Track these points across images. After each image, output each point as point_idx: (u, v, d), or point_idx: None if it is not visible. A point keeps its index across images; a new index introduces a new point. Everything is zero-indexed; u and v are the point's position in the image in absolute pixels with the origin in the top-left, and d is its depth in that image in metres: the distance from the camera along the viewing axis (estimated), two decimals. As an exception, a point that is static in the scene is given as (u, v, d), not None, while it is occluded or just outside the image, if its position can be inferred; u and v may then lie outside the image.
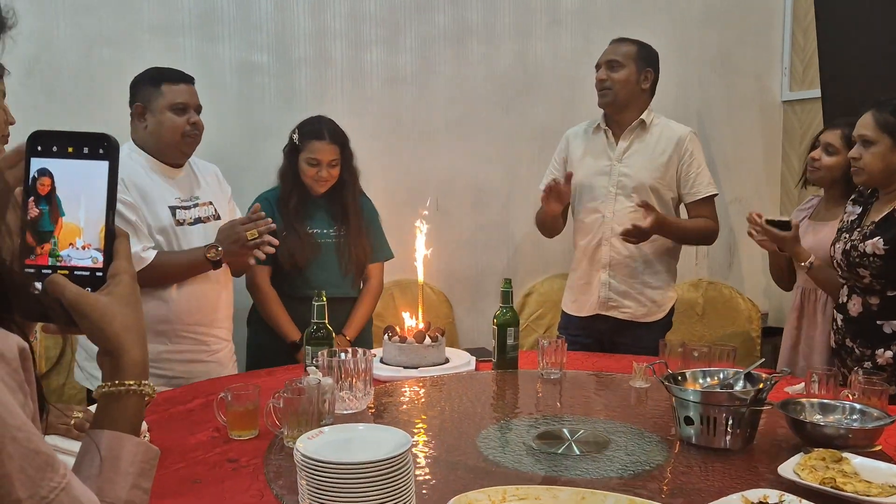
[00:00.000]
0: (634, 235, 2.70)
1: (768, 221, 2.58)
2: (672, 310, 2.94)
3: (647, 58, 2.87)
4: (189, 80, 2.50)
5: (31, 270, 0.77)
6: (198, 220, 2.47)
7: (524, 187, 3.72)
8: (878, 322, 2.31)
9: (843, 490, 1.36)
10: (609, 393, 2.20)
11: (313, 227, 2.83)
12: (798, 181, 3.09)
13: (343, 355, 1.96)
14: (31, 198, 0.77)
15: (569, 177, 2.81)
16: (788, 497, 1.32)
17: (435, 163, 3.68)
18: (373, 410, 1.97)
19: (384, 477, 1.21)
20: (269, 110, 3.44)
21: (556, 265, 3.76)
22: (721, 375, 1.85)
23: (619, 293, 2.88)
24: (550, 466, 1.58)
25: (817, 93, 3.63)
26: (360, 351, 1.98)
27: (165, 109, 2.42)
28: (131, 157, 2.42)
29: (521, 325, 2.67)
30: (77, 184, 0.78)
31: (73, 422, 1.56)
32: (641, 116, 2.87)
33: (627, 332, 2.88)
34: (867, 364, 2.30)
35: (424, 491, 1.44)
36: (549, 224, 3.00)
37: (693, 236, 2.94)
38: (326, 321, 2.19)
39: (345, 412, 1.89)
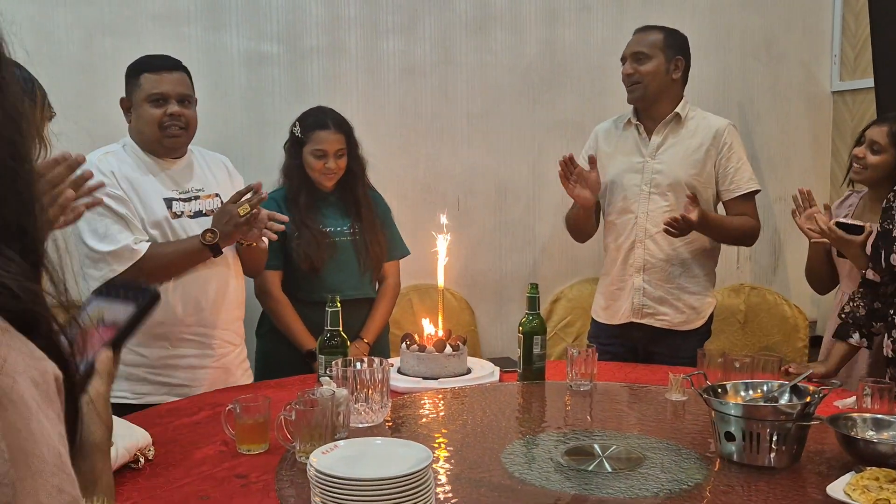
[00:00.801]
0: (678, 228, 2.68)
1: (838, 224, 2.55)
2: (711, 317, 2.93)
3: (675, 45, 2.86)
4: (173, 67, 2.46)
5: None
6: (199, 213, 2.49)
7: (551, 185, 3.71)
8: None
9: (897, 512, 1.35)
10: (643, 406, 2.20)
11: (327, 225, 2.85)
12: (843, 180, 3.05)
13: (359, 365, 1.97)
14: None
15: (592, 161, 2.80)
16: (838, 519, 1.31)
17: (455, 159, 3.69)
18: (390, 424, 1.98)
19: (403, 495, 1.22)
20: (279, 103, 3.47)
21: (586, 269, 3.76)
22: (765, 388, 1.84)
23: (654, 299, 2.87)
24: (580, 484, 1.59)
25: (870, 82, 3.60)
26: (377, 360, 1.99)
27: (143, 102, 2.41)
28: (124, 150, 2.45)
29: (548, 334, 2.67)
30: (109, 310, 0.94)
31: None
32: (676, 109, 2.87)
33: (663, 340, 2.88)
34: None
35: (445, 510, 1.46)
36: (581, 225, 2.99)
37: (733, 235, 2.93)
38: (341, 328, 2.20)
39: (360, 426, 1.91)
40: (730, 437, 1.68)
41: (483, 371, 2.42)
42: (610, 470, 1.66)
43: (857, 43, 3.90)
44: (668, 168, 2.85)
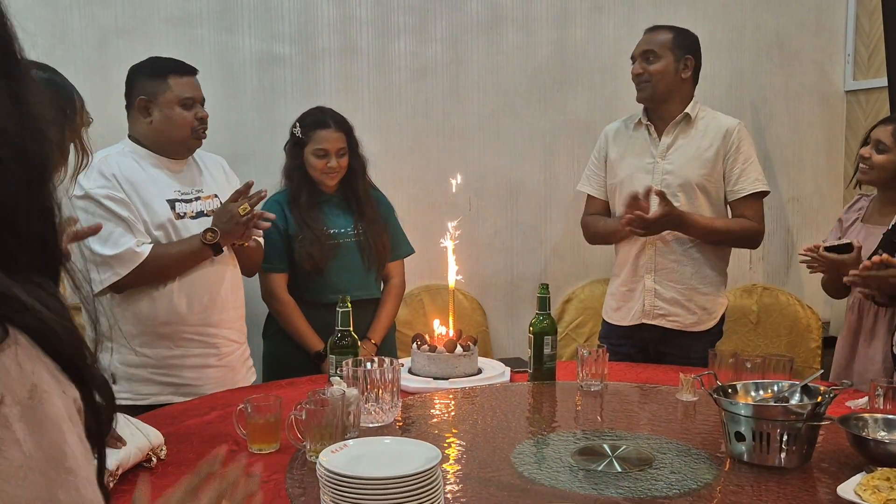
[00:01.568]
0: (638, 226, 2.69)
1: (826, 248, 2.55)
2: (723, 317, 2.93)
3: (685, 44, 2.86)
4: (194, 71, 2.53)
5: None
6: (200, 214, 2.51)
7: (562, 186, 3.72)
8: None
9: (908, 513, 1.35)
10: (654, 406, 2.20)
11: (330, 226, 2.86)
12: (849, 181, 3.02)
13: (369, 365, 1.98)
14: None
15: (647, 192, 2.73)
16: (848, 520, 1.31)
17: (466, 160, 3.70)
18: (400, 424, 1.99)
19: (412, 494, 1.22)
20: (290, 104, 3.48)
21: (597, 270, 3.75)
22: (775, 388, 1.84)
23: (665, 300, 2.87)
24: (590, 484, 1.59)
25: (883, 81, 3.58)
26: (388, 361, 2.00)
27: (174, 104, 2.45)
28: (125, 152, 2.46)
29: (560, 334, 2.68)
30: None
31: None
32: (686, 110, 2.86)
33: (675, 341, 2.87)
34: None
35: (455, 509, 1.46)
36: (612, 241, 3.00)
37: (726, 239, 2.89)
38: (352, 328, 2.22)
39: (371, 425, 1.92)
40: (740, 437, 1.68)
41: (494, 371, 2.43)
42: (620, 470, 1.66)
43: (871, 42, 3.88)
44: (679, 168, 2.84)
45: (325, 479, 1.26)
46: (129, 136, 2.51)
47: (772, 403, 1.77)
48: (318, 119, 2.85)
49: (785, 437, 1.64)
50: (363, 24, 3.56)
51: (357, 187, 2.89)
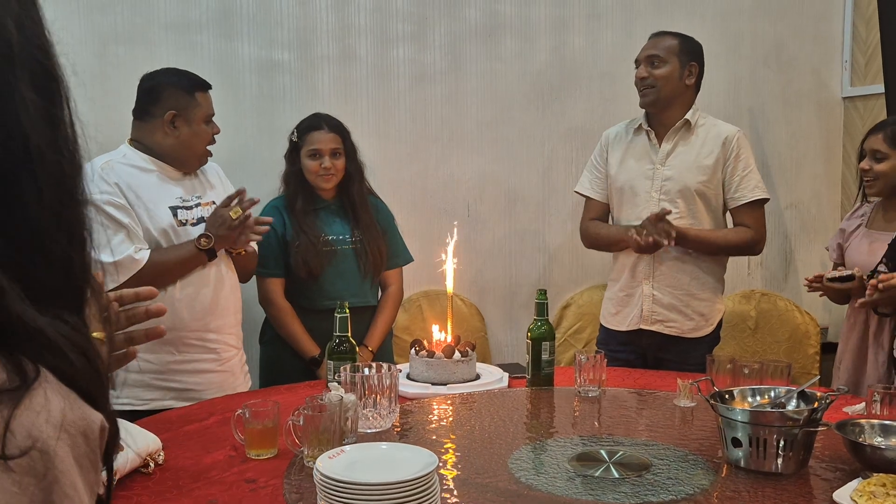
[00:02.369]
0: (646, 251, 2.73)
1: (829, 280, 2.60)
2: (720, 323, 2.93)
3: (690, 51, 2.87)
4: (210, 86, 2.59)
5: None
6: (201, 220, 2.52)
7: (560, 192, 3.73)
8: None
9: (904, 518, 1.35)
10: (651, 412, 2.20)
11: (327, 232, 2.86)
12: (856, 195, 3.02)
13: (367, 371, 1.98)
14: None
15: (663, 214, 2.75)
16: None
17: (465, 166, 3.71)
18: (398, 429, 1.99)
19: (408, 499, 1.23)
20: (290, 110, 3.49)
21: (596, 275, 3.76)
22: (772, 394, 1.84)
23: (663, 306, 2.87)
24: (587, 490, 1.59)
25: (880, 88, 3.59)
26: (386, 366, 2.00)
27: (202, 121, 2.50)
28: (126, 159, 2.46)
29: (557, 340, 2.68)
30: None
31: None
32: (686, 116, 2.87)
33: (673, 347, 2.87)
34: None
35: (452, 515, 1.46)
36: (615, 249, 3.00)
37: (724, 249, 2.90)
38: (349, 334, 2.22)
39: (368, 431, 1.92)
40: (737, 442, 1.68)
41: (492, 377, 2.43)
42: (617, 476, 1.66)
43: (868, 49, 3.89)
44: (678, 175, 2.85)
45: (322, 485, 1.26)
46: (132, 142, 2.52)
47: (768, 409, 1.77)
48: (311, 122, 2.88)
49: (782, 443, 1.64)
50: (362, 31, 3.57)
51: (354, 192, 2.90)
